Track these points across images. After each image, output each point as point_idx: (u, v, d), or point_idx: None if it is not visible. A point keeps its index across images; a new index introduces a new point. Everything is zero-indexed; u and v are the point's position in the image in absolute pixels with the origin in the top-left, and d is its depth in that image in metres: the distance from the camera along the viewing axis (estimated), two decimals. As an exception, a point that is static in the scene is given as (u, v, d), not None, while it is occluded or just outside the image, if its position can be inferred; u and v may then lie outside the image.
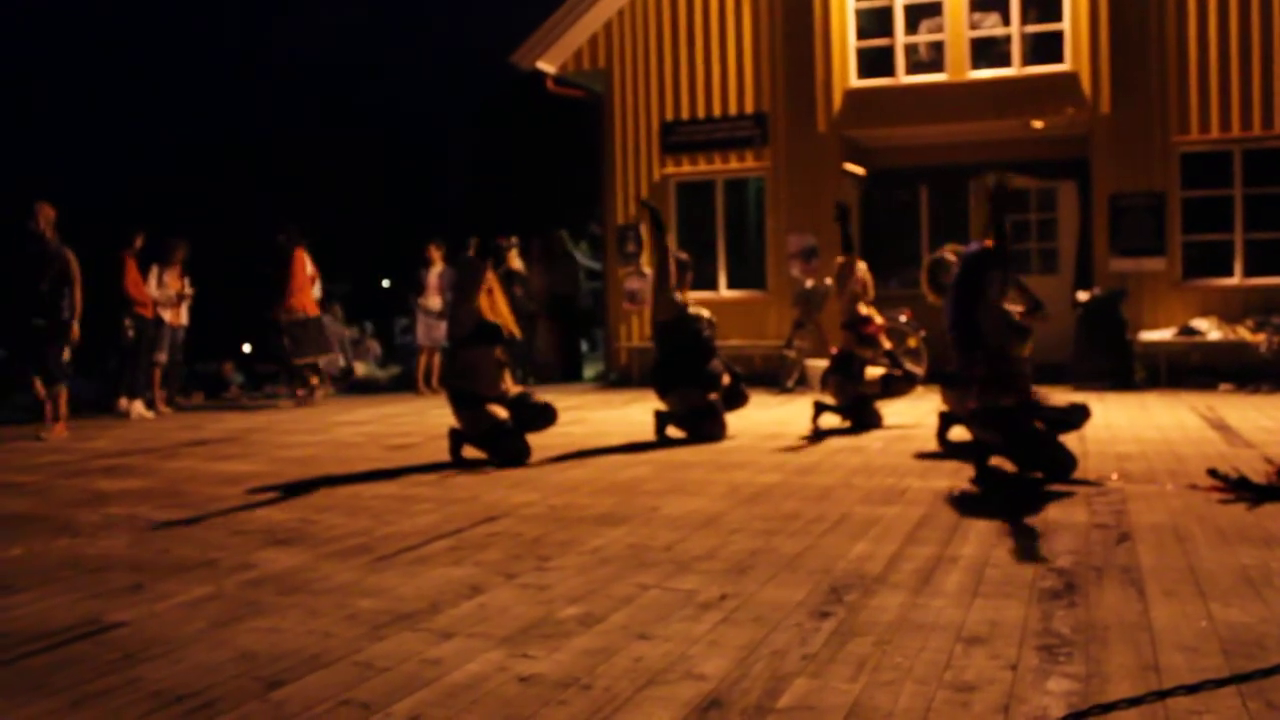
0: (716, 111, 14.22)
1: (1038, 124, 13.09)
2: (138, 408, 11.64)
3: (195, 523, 5.47)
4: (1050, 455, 5.96)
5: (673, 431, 8.38)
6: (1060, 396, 6.80)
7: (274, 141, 33.48)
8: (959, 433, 7.26)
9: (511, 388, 7.53)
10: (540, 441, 7.62)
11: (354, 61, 37.67)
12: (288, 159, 32.74)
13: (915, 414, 9.42)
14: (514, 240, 14.17)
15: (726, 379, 8.45)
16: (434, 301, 13.58)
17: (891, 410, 9.23)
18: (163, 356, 12.08)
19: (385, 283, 33.00)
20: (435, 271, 13.78)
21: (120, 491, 6.57)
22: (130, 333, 11.60)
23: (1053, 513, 5.08)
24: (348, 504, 5.89)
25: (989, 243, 6.09)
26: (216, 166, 32.23)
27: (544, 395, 7.84)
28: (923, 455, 7.13)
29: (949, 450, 7.19)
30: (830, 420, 8.76)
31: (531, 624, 3.51)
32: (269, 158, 32.96)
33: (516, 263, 14.17)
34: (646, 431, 8.52)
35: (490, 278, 7.49)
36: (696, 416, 8.27)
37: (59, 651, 3.37)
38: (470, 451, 7.40)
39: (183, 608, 3.84)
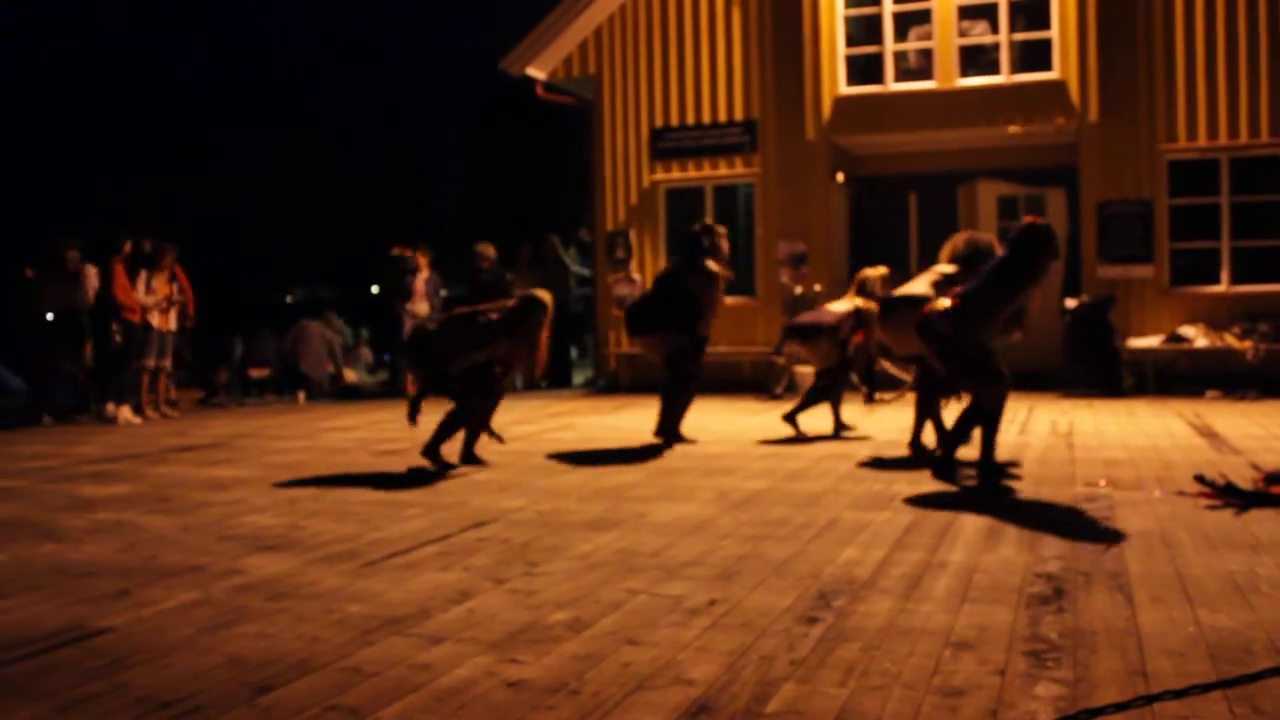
0: (706, 118, 14.23)
1: (1019, 130, 13.12)
2: (125, 413, 11.59)
3: (182, 528, 5.45)
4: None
5: (630, 419, 8.36)
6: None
7: (264, 144, 33.45)
8: (930, 439, 7.32)
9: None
10: (529, 446, 7.62)
11: (349, 64, 37.67)
12: (280, 162, 32.70)
13: (904, 421, 9.42)
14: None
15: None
16: (421, 307, 13.55)
17: (880, 418, 9.24)
18: (151, 362, 12.03)
19: (374, 289, 32.99)
20: (422, 277, 13.76)
21: (107, 497, 6.54)
22: (118, 338, 11.55)
23: (1041, 518, 5.09)
24: (336, 509, 5.88)
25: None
26: (203, 167, 32.22)
27: (532, 401, 7.84)
28: (911, 461, 7.14)
29: (921, 455, 7.23)
30: (814, 424, 8.77)
31: (520, 629, 3.50)
32: (261, 158, 32.93)
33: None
34: (636, 437, 8.52)
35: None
36: (677, 357, 8.29)
37: (45, 657, 3.35)
38: (448, 452, 7.36)
39: (170, 613, 3.82)
